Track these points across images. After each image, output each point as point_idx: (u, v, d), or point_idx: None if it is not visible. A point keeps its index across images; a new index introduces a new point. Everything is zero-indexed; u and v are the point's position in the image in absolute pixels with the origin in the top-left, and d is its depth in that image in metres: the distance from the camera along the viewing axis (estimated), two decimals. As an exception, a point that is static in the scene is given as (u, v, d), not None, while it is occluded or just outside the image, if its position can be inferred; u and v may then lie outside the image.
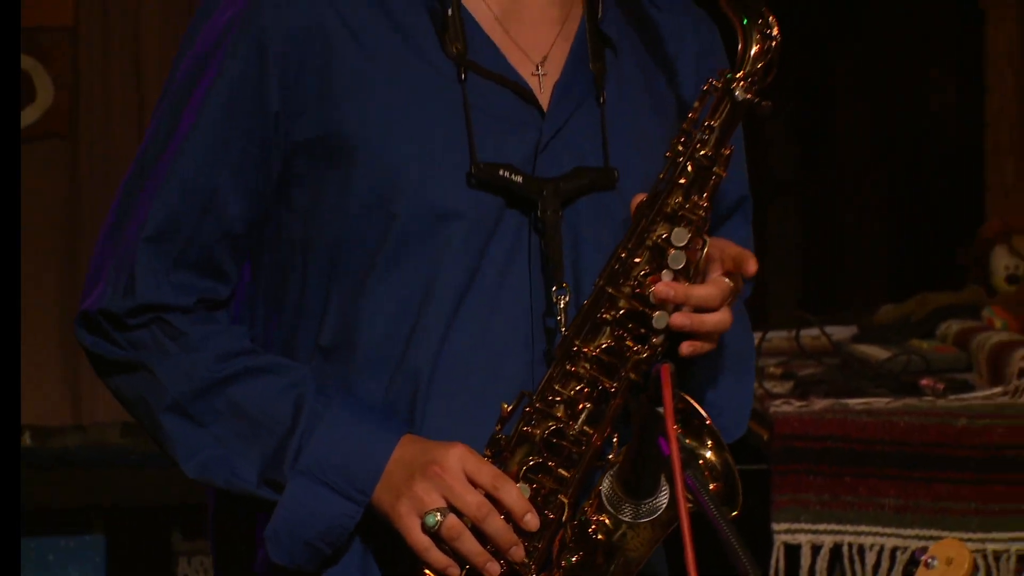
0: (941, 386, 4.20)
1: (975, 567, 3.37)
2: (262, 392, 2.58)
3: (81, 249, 6.30)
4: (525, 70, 2.62)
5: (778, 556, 4.05)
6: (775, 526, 4.03)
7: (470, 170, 2.53)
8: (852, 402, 4.15)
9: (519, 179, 2.54)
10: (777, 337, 5.20)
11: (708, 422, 2.52)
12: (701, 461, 2.52)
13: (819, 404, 4.15)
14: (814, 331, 5.24)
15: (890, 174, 8.24)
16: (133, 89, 6.34)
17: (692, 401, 2.50)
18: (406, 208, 2.54)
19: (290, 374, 2.59)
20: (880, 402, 4.16)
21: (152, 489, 5.56)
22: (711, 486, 2.49)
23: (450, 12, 2.57)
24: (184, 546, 5.39)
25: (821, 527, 4.03)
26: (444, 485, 2.47)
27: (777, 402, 4.19)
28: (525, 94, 2.60)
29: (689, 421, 2.50)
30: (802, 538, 4.03)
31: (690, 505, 2.34)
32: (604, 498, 2.50)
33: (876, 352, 4.81)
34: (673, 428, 2.39)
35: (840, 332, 5.33)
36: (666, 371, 2.37)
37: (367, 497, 2.51)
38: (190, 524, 5.70)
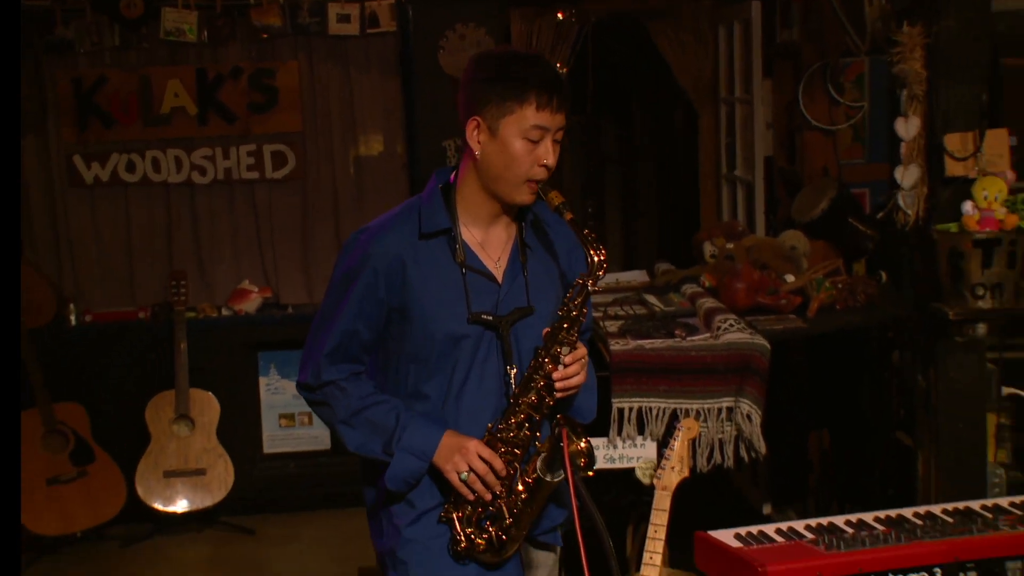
0: (684, 333, 4.09)
1: (698, 418, 3.87)
2: (381, 412, 2.69)
3: (309, 226, 6.43)
4: (491, 265, 2.72)
5: (614, 414, 3.95)
6: (613, 399, 3.94)
7: (468, 316, 2.66)
8: (645, 343, 4.03)
9: (489, 318, 2.68)
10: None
11: (582, 431, 2.65)
12: (582, 446, 2.61)
13: (632, 343, 4.02)
14: (628, 275, 5.19)
15: (661, 189, 8.39)
16: (329, 164, 6.37)
17: (573, 420, 2.68)
18: (441, 336, 2.67)
19: (392, 402, 2.71)
20: (657, 342, 4.02)
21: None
22: (582, 460, 2.62)
23: (457, 245, 2.67)
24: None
25: (633, 400, 3.97)
26: (468, 458, 2.64)
27: (612, 341, 4.06)
28: (491, 278, 2.71)
29: (574, 428, 2.64)
30: (624, 404, 3.96)
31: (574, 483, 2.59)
32: (539, 470, 2.65)
33: (655, 302, 4.65)
34: (568, 456, 2.57)
35: (637, 275, 5.20)
36: (564, 431, 2.59)
37: (429, 459, 2.66)
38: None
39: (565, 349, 2.64)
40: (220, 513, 6.00)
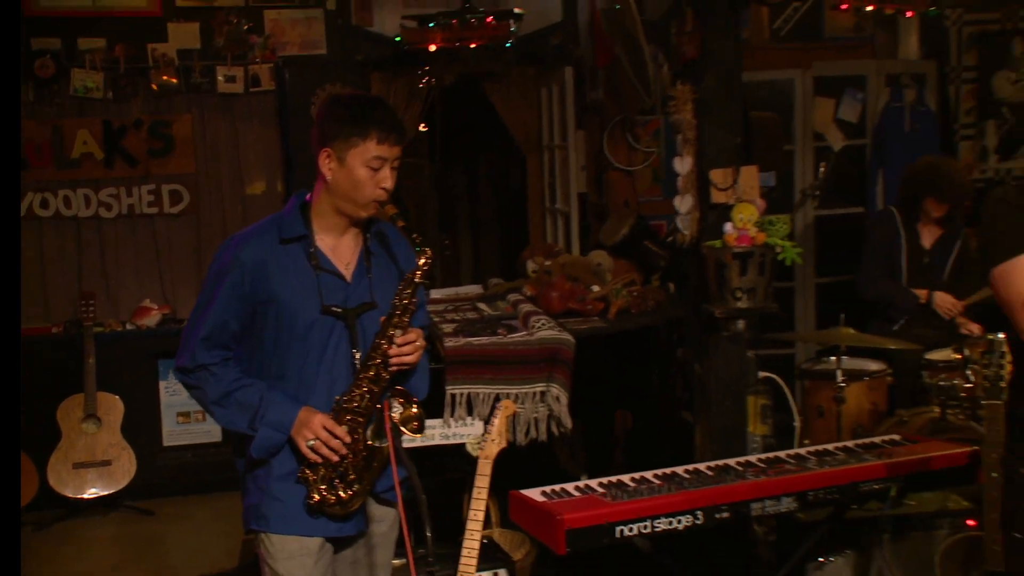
0: (505, 332, 4.09)
1: (516, 400, 3.85)
2: (247, 394, 2.65)
3: (201, 253, 6.31)
4: (341, 267, 2.70)
5: (448, 399, 3.92)
6: (447, 387, 3.91)
7: (320, 308, 2.64)
8: (473, 340, 4.02)
9: (340, 310, 2.65)
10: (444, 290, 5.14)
11: (415, 399, 2.67)
12: (414, 411, 2.63)
13: (462, 340, 4.01)
14: (466, 288, 5.22)
15: (501, 222, 8.36)
16: (218, 201, 6.30)
17: (408, 391, 2.69)
18: (299, 324, 2.64)
19: (257, 385, 2.66)
20: (484, 340, 4.01)
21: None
22: (414, 423, 2.63)
23: (311, 250, 2.65)
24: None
25: (464, 387, 3.94)
26: (313, 429, 2.62)
27: (446, 340, 4.02)
28: (341, 277, 2.69)
29: (408, 398, 2.67)
30: (456, 391, 3.92)
31: (396, 444, 2.60)
32: (368, 437, 2.66)
33: (485, 308, 4.67)
34: (389, 426, 2.58)
35: (474, 289, 5.23)
36: (386, 404, 2.61)
37: (287, 433, 2.63)
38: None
39: (398, 331, 2.65)
40: (124, 498, 5.84)
